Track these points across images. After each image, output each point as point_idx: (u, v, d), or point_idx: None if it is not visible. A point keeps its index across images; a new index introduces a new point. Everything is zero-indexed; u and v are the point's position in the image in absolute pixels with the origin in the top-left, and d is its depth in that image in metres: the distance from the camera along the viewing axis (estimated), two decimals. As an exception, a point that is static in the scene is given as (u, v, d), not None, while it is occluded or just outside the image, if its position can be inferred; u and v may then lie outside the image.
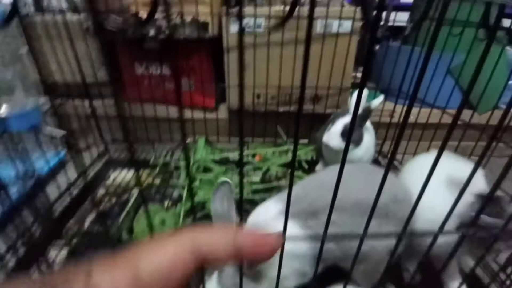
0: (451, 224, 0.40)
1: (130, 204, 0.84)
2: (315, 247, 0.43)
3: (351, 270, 0.35)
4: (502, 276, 0.56)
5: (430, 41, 0.23)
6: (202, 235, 0.17)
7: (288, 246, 0.43)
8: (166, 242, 0.16)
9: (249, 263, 0.39)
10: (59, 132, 0.60)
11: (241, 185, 0.28)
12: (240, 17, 0.20)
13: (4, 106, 0.52)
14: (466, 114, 0.79)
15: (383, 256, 0.48)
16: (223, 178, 0.48)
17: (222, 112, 1.12)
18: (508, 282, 0.54)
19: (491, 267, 0.62)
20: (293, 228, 0.45)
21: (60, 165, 0.94)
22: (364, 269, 0.50)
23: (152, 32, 0.94)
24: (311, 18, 0.20)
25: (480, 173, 0.54)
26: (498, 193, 0.64)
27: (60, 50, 0.86)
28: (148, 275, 0.15)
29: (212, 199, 0.45)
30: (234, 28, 0.93)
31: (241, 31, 0.20)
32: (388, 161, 0.27)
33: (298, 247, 0.45)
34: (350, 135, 0.26)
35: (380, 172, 0.26)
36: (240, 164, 0.27)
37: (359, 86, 0.25)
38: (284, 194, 0.54)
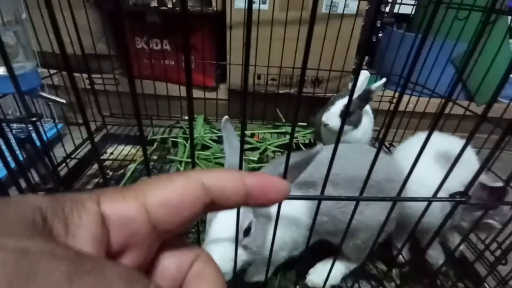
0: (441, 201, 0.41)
1: (126, 177, 0.84)
2: (312, 217, 0.44)
3: (342, 243, 0.36)
4: (491, 258, 0.58)
5: (428, 22, 0.23)
6: (211, 174, 0.16)
7: (288, 213, 0.43)
8: (175, 178, 0.15)
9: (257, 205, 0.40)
10: (60, 99, 0.60)
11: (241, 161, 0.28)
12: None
13: (3, 69, 0.51)
14: (470, 105, 0.79)
15: (372, 232, 0.49)
16: (226, 117, 0.54)
17: (222, 92, 1.12)
18: (496, 263, 0.55)
19: (479, 248, 0.64)
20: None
21: (57, 138, 0.93)
22: (354, 245, 0.51)
23: (154, 3, 0.92)
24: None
25: (472, 152, 0.56)
26: (490, 176, 0.65)
27: (59, 20, 0.84)
28: (157, 206, 0.14)
29: (223, 133, 0.52)
30: (239, 2, 0.91)
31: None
32: (381, 141, 0.28)
33: (298, 215, 0.46)
34: (346, 114, 0.26)
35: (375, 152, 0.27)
36: (241, 139, 0.27)
37: (357, 66, 0.25)
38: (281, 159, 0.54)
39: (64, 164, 0.83)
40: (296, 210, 0.47)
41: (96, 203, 0.13)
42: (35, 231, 0.11)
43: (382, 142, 0.30)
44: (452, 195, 0.29)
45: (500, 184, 0.40)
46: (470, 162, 0.53)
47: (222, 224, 0.42)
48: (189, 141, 0.95)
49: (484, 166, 0.31)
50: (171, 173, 0.17)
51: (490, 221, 0.45)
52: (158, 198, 0.14)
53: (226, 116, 0.54)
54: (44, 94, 0.57)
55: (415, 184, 0.40)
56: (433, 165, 0.51)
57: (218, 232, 0.42)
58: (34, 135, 0.47)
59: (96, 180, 0.86)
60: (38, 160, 0.34)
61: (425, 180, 0.34)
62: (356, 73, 0.28)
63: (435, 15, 0.25)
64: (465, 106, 0.75)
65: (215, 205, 0.16)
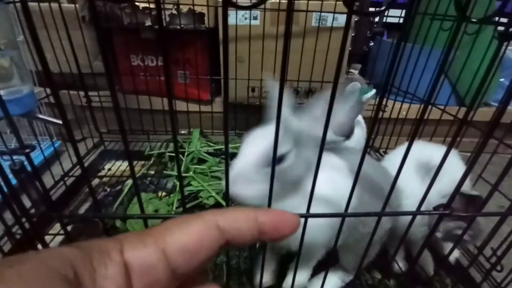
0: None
1: (124, 193, 0.85)
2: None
3: (335, 244, 0.35)
4: (487, 265, 0.58)
5: (402, 32, 0.24)
6: (226, 216, 0.17)
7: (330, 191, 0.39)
8: (192, 222, 0.16)
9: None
10: (57, 121, 0.61)
11: (226, 174, 0.29)
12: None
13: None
14: (459, 111, 0.81)
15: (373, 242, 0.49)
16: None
17: (218, 105, 1.13)
18: (490, 270, 0.55)
19: (474, 254, 0.64)
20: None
21: (55, 156, 0.94)
22: (356, 254, 0.51)
23: (148, 22, 0.94)
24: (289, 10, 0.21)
25: (456, 158, 0.57)
26: (480, 185, 0.66)
27: (55, 40, 0.86)
28: (176, 251, 0.15)
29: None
30: (231, 19, 0.93)
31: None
32: (364, 148, 0.28)
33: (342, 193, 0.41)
34: (327, 125, 0.27)
35: (379, 164, 0.28)
36: (226, 151, 0.28)
37: (334, 80, 0.26)
38: None
39: (62, 183, 0.83)
40: (340, 187, 0.41)
41: (120, 251, 0.15)
42: (67, 286, 0.12)
43: (365, 149, 0.30)
44: (436, 208, 0.30)
45: (476, 193, 0.40)
46: (453, 169, 0.54)
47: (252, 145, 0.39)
48: (185, 155, 0.96)
49: (467, 174, 0.31)
50: (188, 215, 0.17)
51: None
52: (176, 244, 0.15)
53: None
54: (41, 116, 0.58)
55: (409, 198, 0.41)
56: (414, 176, 0.52)
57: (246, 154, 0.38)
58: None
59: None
60: (30, 186, 0.35)
61: (407, 192, 0.35)
62: (334, 85, 0.28)
63: (406, 24, 0.26)
64: (452, 113, 0.76)
65: (230, 244, 0.17)
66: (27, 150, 0.27)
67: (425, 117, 0.88)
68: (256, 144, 0.39)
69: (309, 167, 0.40)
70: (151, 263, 0.15)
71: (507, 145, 0.62)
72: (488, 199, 0.35)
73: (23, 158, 0.30)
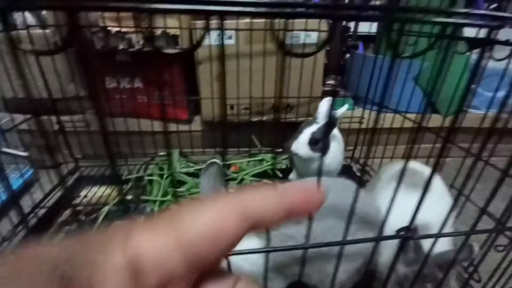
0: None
1: (99, 221, 0.82)
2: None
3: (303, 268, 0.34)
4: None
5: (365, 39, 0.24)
6: (250, 198, 0.15)
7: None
8: (212, 204, 0.14)
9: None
10: (22, 153, 0.58)
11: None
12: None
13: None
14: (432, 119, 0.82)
15: (351, 269, 0.47)
16: (212, 160, 0.49)
17: (196, 124, 1.12)
18: (468, 279, 0.55)
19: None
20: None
21: (26, 186, 0.90)
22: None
23: (122, 46, 0.94)
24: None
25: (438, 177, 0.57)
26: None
27: (25, 66, 0.84)
28: (193, 237, 0.13)
29: (201, 178, 0.46)
30: (205, 40, 0.94)
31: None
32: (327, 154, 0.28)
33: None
34: (306, 134, 0.27)
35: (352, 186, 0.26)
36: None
37: (277, 100, 0.26)
38: None
39: (32, 215, 0.79)
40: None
41: (127, 243, 0.12)
42: (63, 285, 0.10)
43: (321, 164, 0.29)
44: (398, 232, 0.29)
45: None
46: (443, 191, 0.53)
47: None
48: (164, 178, 0.94)
49: (428, 184, 0.31)
50: (206, 199, 0.14)
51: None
52: (194, 228, 0.13)
53: (212, 160, 0.50)
54: (7, 150, 0.56)
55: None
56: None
57: None
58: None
59: (68, 227, 0.83)
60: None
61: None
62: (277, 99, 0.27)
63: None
64: (411, 119, 0.78)
65: (253, 229, 0.15)
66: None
67: (401, 125, 0.89)
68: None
69: None
70: (164, 254, 0.12)
71: (473, 154, 0.63)
72: (451, 212, 0.35)
73: None
